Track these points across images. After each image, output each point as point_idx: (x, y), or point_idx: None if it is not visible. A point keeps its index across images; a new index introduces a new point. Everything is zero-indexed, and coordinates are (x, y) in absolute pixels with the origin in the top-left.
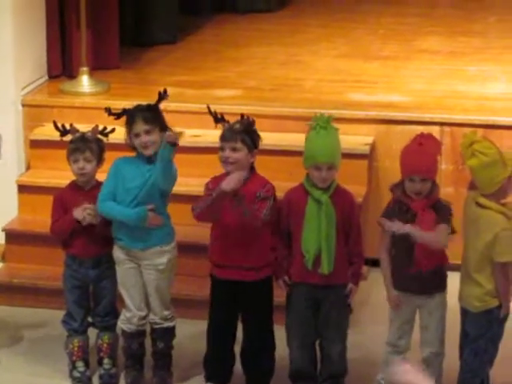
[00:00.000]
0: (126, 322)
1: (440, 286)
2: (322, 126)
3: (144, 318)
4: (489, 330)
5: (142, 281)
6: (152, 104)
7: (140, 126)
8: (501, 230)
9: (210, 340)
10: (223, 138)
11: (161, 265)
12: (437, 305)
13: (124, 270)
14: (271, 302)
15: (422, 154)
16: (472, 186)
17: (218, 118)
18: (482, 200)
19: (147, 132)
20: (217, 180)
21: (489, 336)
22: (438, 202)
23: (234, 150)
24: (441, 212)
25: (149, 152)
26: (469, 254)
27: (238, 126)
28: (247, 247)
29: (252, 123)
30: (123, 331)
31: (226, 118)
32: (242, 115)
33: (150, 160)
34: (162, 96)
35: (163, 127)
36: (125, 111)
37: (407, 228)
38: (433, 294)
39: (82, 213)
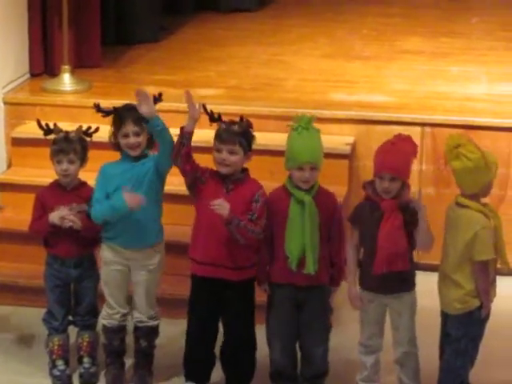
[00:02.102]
0: (107, 317)
1: (407, 286)
2: (304, 126)
3: (125, 314)
4: (470, 330)
5: (127, 282)
6: None
7: (130, 127)
8: (480, 229)
9: (188, 340)
10: (220, 139)
11: (152, 265)
12: (405, 305)
13: (110, 271)
14: (253, 303)
15: (392, 152)
16: None
17: (214, 118)
18: (462, 200)
19: (136, 134)
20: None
21: (470, 336)
22: (408, 205)
23: (232, 152)
24: (411, 218)
25: (136, 153)
26: (448, 255)
27: (236, 127)
28: (233, 246)
29: (250, 125)
30: (104, 326)
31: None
32: (241, 117)
33: (135, 159)
34: (157, 99)
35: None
36: (115, 110)
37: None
38: (400, 294)
39: (60, 219)
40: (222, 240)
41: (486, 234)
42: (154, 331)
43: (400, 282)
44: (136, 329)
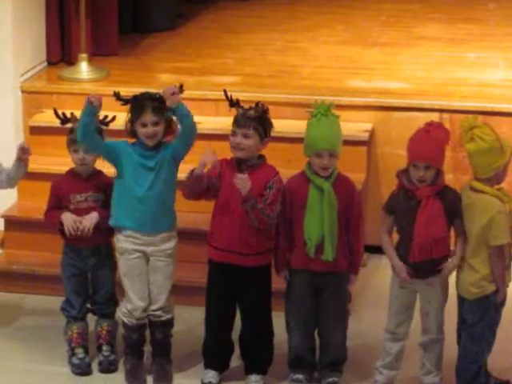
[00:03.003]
0: (127, 315)
1: (439, 273)
2: (323, 113)
3: (145, 309)
4: (486, 315)
5: (146, 272)
6: (162, 96)
7: (149, 117)
8: (496, 213)
9: (206, 326)
10: (236, 122)
11: (169, 249)
12: (436, 292)
13: (129, 261)
14: (270, 289)
15: (427, 140)
16: None
17: (233, 103)
18: (477, 184)
19: (155, 123)
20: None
21: (486, 322)
22: (445, 190)
23: (246, 136)
24: (451, 205)
25: (152, 143)
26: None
27: (251, 112)
28: (248, 232)
29: (266, 111)
30: (124, 324)
31: (225, 104)
32: (257, 103)
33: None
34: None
35: (167, 119)
36: (134, 98)
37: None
38: (432, 280)
39: (72, 229)
40: (238, 226)
41: (502, 218)
42: (168, 324)
43: (434, 268)
44: (151, 323)
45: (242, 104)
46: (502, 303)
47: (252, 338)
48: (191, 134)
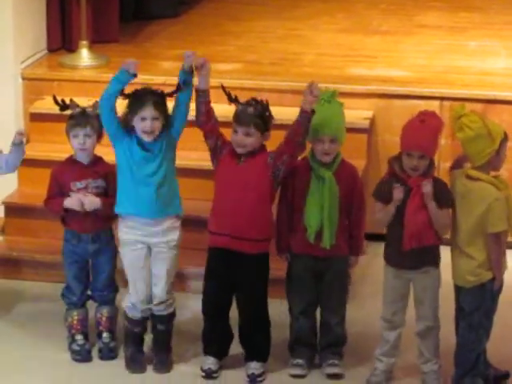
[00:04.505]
0: (131, 309)
1: (432, 262)
2: (327, 99)
3: (149, 302)
4: (483, 304)
5: (149, 263)
6: (163, 92)
7: (149, 112)
8: (493, 200)
9: (205, 312)
10: (237, 120)
11: (173, 241)
12: (430, 280)
13: (132, 252)
14: (267, 278)
15: (422, 130)
16: (455, 165)
17: (232, 99)
18: (473, 172)
19: (155, 119)
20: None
21: (483, 310)
22: (435, 181)
23: (247, 134)
24: (440, 194)
25: (149, 139)
26: (460, 229)
27: (251, 109)
28: (246, 218)
29: (266, 108)
30: (128, 318)
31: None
32: (258, 101)
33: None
34: (179, 88)
35: (166, 116)
36: (136, 92)
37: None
38: (425, 269)
39: (79, 205)
40: (238, 213)
41: (499, 205)
42: (170, 317)
43: (428, 257)
44: (153, 316)
45: (241, 97)
46: (499, 291)
47: (250, 325)
48: (187, 106)
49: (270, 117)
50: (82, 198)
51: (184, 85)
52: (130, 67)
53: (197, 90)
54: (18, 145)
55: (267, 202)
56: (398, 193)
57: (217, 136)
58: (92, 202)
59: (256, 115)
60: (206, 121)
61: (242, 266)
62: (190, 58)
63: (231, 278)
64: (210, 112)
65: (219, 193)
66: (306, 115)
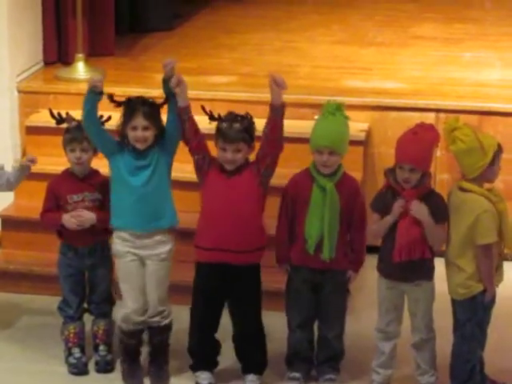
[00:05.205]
0: (124, 320)
1: (425, 275)
2: (331, 111)
3: (142, 313)
4: (474, 316)
5: (142, 275)
6: (155, 102)
7: (139, 121)
8: (482, 212)
9: (193, 327)
10: (224, 138)
11: (163, 253)
12: (424, 293)
13: (124, 264)
14: (259, 288)
15: (413, 143)
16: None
17: (214, 117)
18: (466, 184)
19: (145, 128)
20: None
21: (475, 321)
22: (430, 194)
23: (237, 151)
24: (436, 208)
25: (142, 147)
26: (451, 241)
27: (237, 125)
28: (235, 230)
29: (251, 121)
30: (122, 330)
31: (221, 104)
32: (242, 116)
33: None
34: (167, 98)
35: (159, 126)
36: (128, 101)
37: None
38: (418, 282)
39: (73, 223)
40: (225, 224)
41: (488, 217)
42: (166, 329)
43: (419, 271)
44: (149, 328)
45: (224, 113)
46: (491, 302)
47: (245, 338)
48: (177, 116)
49: (254, 128)
50: (78, 220)
51: (170, 94)
52: (95, 85)
53: (177, 108)
54: (25, 169)
55: (259, 212)
56: (397, 206)
57: (203, 152)
58: (87, 220)
59: (242, 130)
60: (192, 138)
61: (235, 279)
62: (168, 67)
63: (223, 291)
64: (193, 127)
65: (209, 208)
66: (277, 109)
